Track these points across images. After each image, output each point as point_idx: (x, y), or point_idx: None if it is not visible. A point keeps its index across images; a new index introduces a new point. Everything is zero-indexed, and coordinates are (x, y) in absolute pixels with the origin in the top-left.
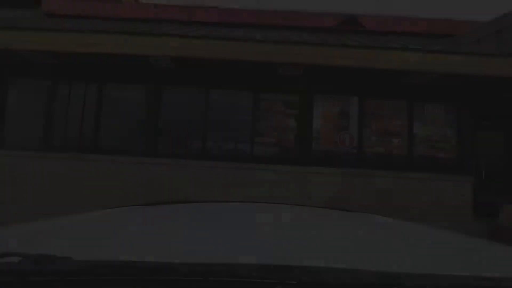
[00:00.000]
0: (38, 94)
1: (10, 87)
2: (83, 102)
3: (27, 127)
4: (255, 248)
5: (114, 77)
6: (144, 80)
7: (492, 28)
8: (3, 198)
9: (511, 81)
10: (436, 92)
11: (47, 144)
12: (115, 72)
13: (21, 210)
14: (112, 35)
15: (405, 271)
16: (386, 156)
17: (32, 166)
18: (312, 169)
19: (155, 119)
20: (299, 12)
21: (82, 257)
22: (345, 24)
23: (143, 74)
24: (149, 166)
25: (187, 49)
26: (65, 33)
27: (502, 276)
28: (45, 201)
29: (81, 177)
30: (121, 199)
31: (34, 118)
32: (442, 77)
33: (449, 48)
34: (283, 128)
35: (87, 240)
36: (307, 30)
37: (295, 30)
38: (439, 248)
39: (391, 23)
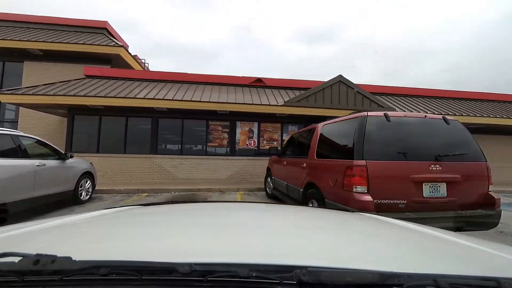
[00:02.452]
0: (91, 123)
1: (75, 119)
2: (116, 128)
3: (84, 142)
4: (255, 248)
5: (134, 114)
6: (149, 115)
7: (311, 91)
8: None
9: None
10: (295, 119)
11: (94, 149)
12: (135, 112)
13: None
14: (130, 99)
15: (405, 271)
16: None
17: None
18: (236, 157)
19: (156, 134)
20: (225, 76)
21: (82, 257)
22: (255, 82)
23: (149, 112)
24: (154, 159)
25: (174, 105)
26: (107, 98)
27: (502, 276)
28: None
29: (116, 167)
30: (139, 176)
31: (88, 136)
32: (291, 114)
33: (288, 103)
34: (221, 138)
35: (87, 240)
36: (234, 85)
37: (228, 85)
38: (439, 248)
39: (282, 82)
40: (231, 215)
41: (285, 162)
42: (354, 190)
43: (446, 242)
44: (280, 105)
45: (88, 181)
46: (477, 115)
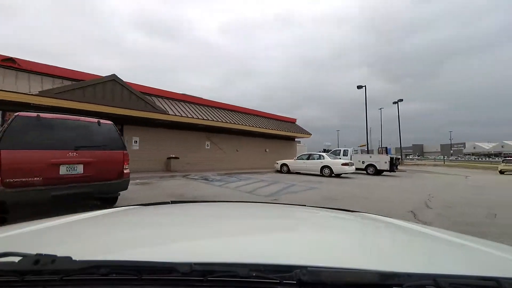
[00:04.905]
0: None
1: None
2: None
3: None
4: (255, 247)
5: None
6: None
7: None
8: None
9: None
10: (61, 111)
11: None
12: None
13: None
14: None
15: (405, 271)
16: None
17: None
18: None
19: None
20: None
21: (82, 257)
22: (5, 61)
23: None
24: None
25: None
26: None
27: (502, 276)
28: None
29: None
30: None
31: None
32: (53, 106)
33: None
34: None
35: (87, 240)
36: None
37: None
38: (439, 248)
39: (45, 68)
40: (231, 215)
41: None
42: None
43: (446, 242)
44: (34, 94)
45: None
46: (213, 119)
